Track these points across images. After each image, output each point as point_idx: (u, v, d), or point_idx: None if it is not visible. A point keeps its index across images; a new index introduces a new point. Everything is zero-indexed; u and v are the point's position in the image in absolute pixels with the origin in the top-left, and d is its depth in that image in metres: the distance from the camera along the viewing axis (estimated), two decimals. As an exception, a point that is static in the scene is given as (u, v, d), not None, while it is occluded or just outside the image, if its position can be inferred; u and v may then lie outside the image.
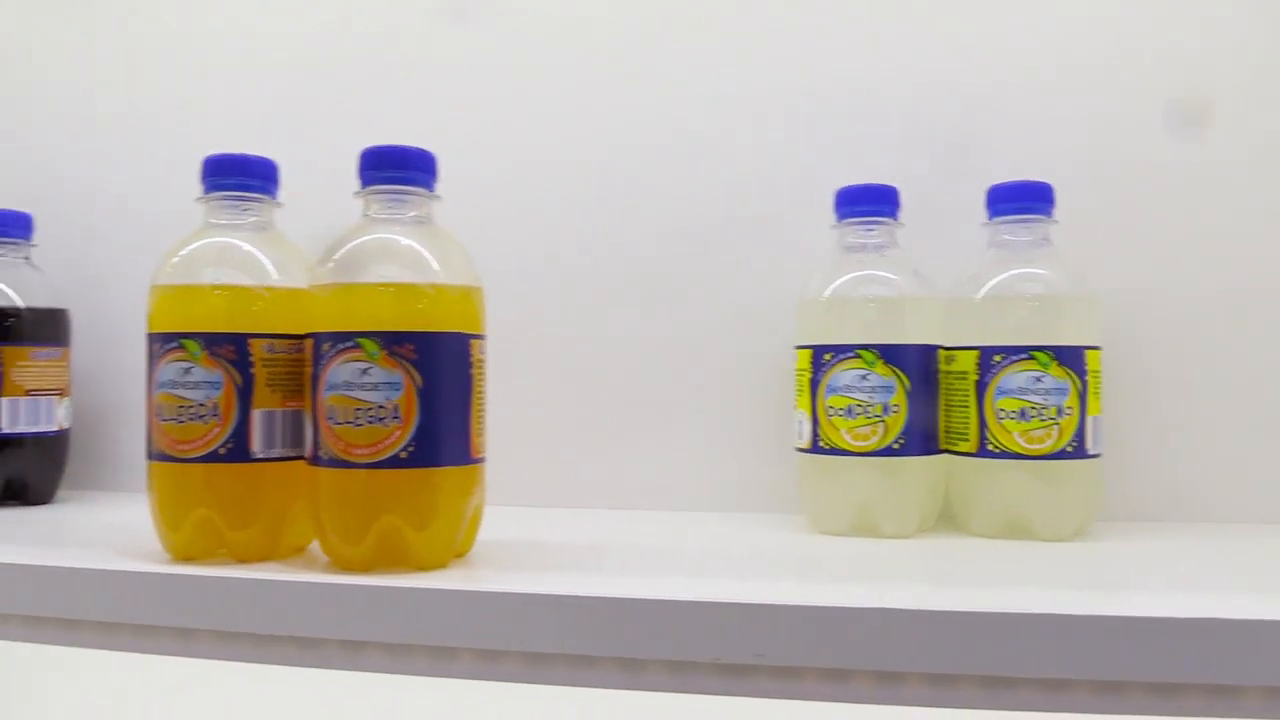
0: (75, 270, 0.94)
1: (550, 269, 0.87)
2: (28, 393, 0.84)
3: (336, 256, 0.60)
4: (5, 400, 0.83)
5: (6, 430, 0.83)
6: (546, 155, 0.88)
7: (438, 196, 0.63)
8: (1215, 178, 0.77)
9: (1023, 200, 0.71)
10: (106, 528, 0.77)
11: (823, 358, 0.71)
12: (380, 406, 0.56)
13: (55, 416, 0.86)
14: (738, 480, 0.83)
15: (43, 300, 0.87)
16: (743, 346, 0.84)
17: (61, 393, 0.87)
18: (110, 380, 0.95)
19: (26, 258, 0.88)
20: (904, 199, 0.74)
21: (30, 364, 0.84)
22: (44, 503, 0.87)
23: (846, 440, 0.70)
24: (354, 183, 0.62)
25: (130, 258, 0.94)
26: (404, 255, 0.60)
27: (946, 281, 0.73)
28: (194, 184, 0.67)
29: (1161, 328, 0.77)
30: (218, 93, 0.95)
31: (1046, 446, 0.67)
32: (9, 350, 0.83)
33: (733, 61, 0.85)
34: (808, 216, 0.78)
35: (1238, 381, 0.77)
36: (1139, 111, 0.78)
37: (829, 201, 0.75)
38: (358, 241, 0.61)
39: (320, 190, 0.70)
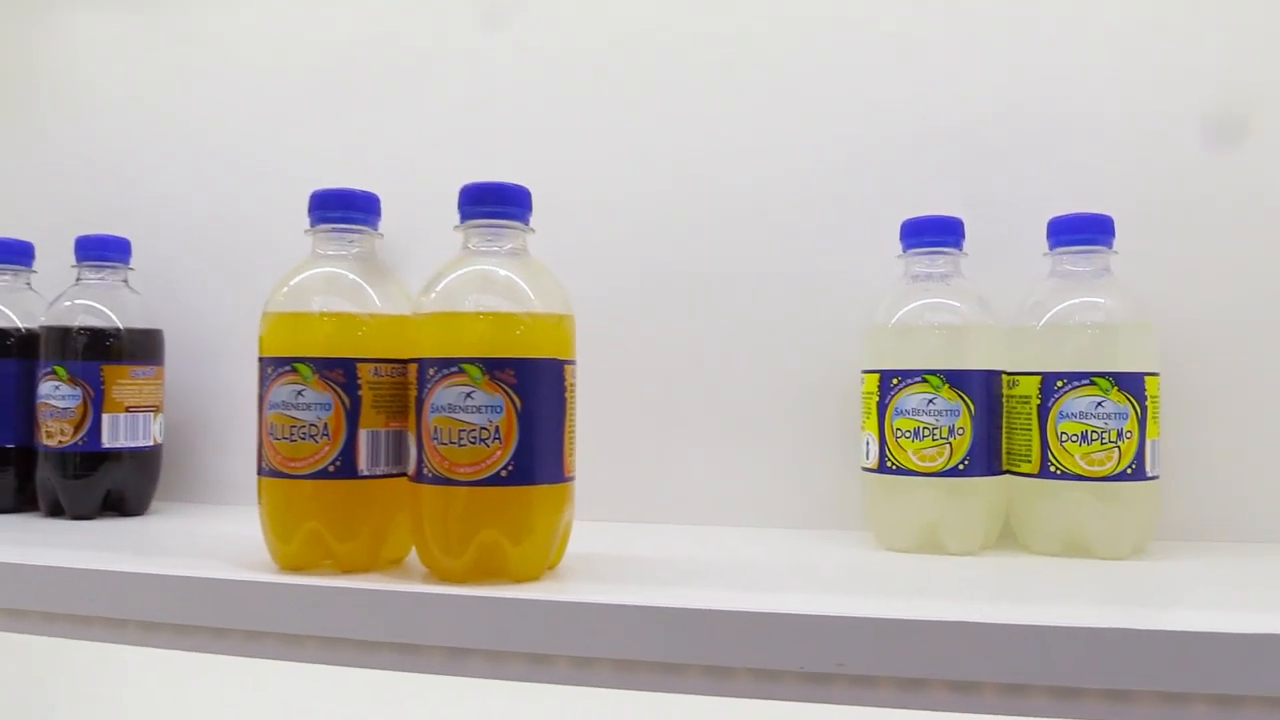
0: (165, 291, 0.99)
1: (624, 294, 0.91)
2: (127, 409, 0.89)
3: (439, 287, 0.63)
4: (106, 416, 0.88)
5: (107, 445, 0.88)
6: (621, 184, 0.92)
7: (532, 229, 0.66)
8: (1270, 205, 0.80)
9: (1084, 232, 0.74)
10: (204, 538, 0.82)
11: (890, 382, 0.74)
12: (482, 428, 0.60)
13: (151, 432, 0.91)
14: (802, 498, 0.86)
15: (139, 321, 0.92)
16: (808, 370, 0.87)
17: (156, 409, 0.92)
18: (195, 397, 1.00)
19: (125, 280, 0.93)
20: (967, 228, 0.77)
21: (129, 382, 0.89)
22: (139, 514, 0.92)
23: (913, 461, 0.73)
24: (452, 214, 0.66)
25: (216, 279, 1.00)
26: (503, 286, 0.64)
27: (1009, 309, 0.75)
28: (278, 209, 0.71)
29: (1214, 353, 0.80)
30: (308, 120, 1.00)
31: (1107, 468, 0.70)
32: (110, 369, 0.88)
33: (801, 94, 0.88)
34: (873, 244, 0.81)
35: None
36: (1196, 142, 0.81)
37: (895, 230, 0.78)
38: (459, 273, 0.64)
39: (418, 216, 0.75)
